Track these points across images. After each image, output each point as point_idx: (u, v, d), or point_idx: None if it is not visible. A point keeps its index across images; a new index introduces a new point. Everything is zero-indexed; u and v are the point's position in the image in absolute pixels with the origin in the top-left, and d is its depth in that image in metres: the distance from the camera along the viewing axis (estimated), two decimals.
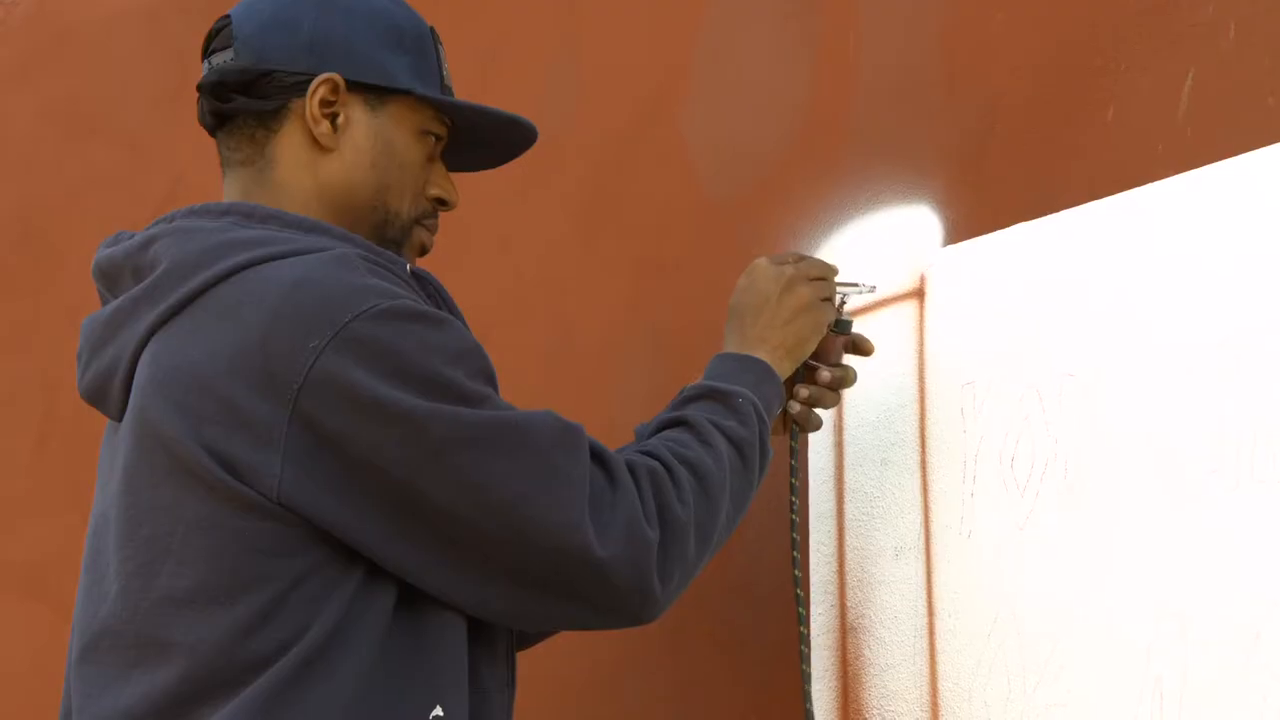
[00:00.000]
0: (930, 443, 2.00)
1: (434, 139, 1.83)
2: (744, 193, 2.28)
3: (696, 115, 2.40)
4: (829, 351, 1.96)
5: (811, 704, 1.96)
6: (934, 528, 1.98)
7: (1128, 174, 1.88)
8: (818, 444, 2.10)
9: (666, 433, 1.77)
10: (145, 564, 1.64)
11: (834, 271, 1.95)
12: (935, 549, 1.97)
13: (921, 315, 2.05)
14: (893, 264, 2.08)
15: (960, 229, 2.04)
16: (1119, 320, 1.86)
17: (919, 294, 2.05)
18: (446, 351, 1.64)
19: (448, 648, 1.66)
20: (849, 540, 2.06)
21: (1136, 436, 1.82)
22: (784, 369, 1.89)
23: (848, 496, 2.07)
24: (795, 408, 1.94)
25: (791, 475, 1.99)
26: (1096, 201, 1.90)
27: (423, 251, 1.85)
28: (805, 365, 1.95)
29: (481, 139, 1.88)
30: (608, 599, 1.65)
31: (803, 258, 1.94)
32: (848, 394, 2.04)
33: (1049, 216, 1.95)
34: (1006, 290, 1.97)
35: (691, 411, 1.79)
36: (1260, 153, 1.77)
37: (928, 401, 2.02)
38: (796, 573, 1.97)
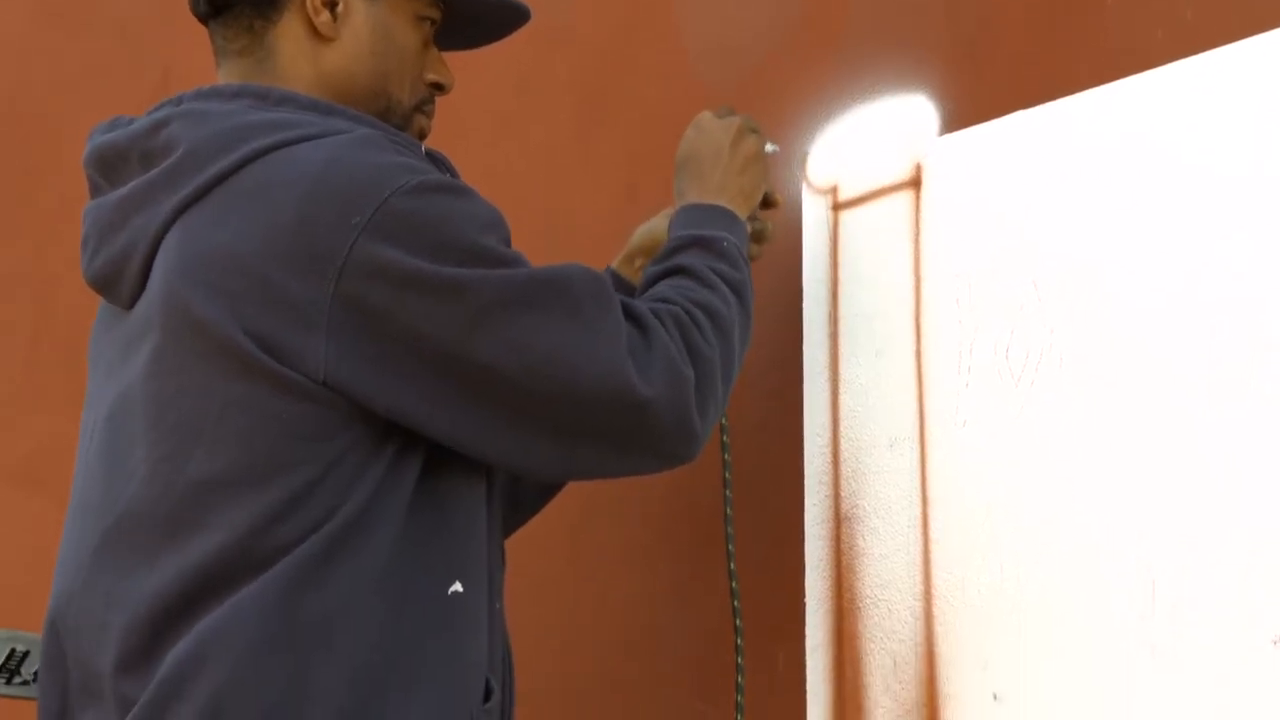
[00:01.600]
0: (925, 333, 2.00)
1: (429, 24, 1.83)
2: (740, 83, 2.26)
3: (693, 4, 2.37)
4: None
5: (738, 606, 1.99)
6: (929, 418, 1.98)
7: (1127, 60, 1.87)
8: (812, 336, 2.10)
9: (669, 281, 1.81)
10: (176, 447, 1.65)
11: (760, 125, 2.01)
12: (930, 439, 1.97)
13: (918, 205, 2.03)
14: (889, 153, 2.07)
15: (957, 118, 2.02)
16: (1116, 209, 1.85)
17: (915, 183, 2.04)
18: (479, 220, 1.67)
19: (467, 526, 1.69)
20: (844, 431, 2.06)
21: (1133, 327, 1.82)
22: (742, 214, 1.94)
23: (842, 388, 2.07)
24: None
25: (723, 440, 2.02)
26: (1095, 89, 1.89)
27: (421, 137, 1.85)
28: None
29: (474, 20, 1.87)
30: (653, 440, 1.68)
31: (735, 111, 2.01)
32: (843, 286, 2.04)
33: (1047, 104, 1.93)
34: (1003, 179, 1.96)
35: (686, 259, 1.82)
36: (1261, 37, 1.75)
37: (923, 292, 2.01)
38: (728, 495, 2.02)
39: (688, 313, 1.74)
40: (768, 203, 2.05)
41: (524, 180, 2.49)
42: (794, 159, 2.13)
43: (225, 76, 1.79)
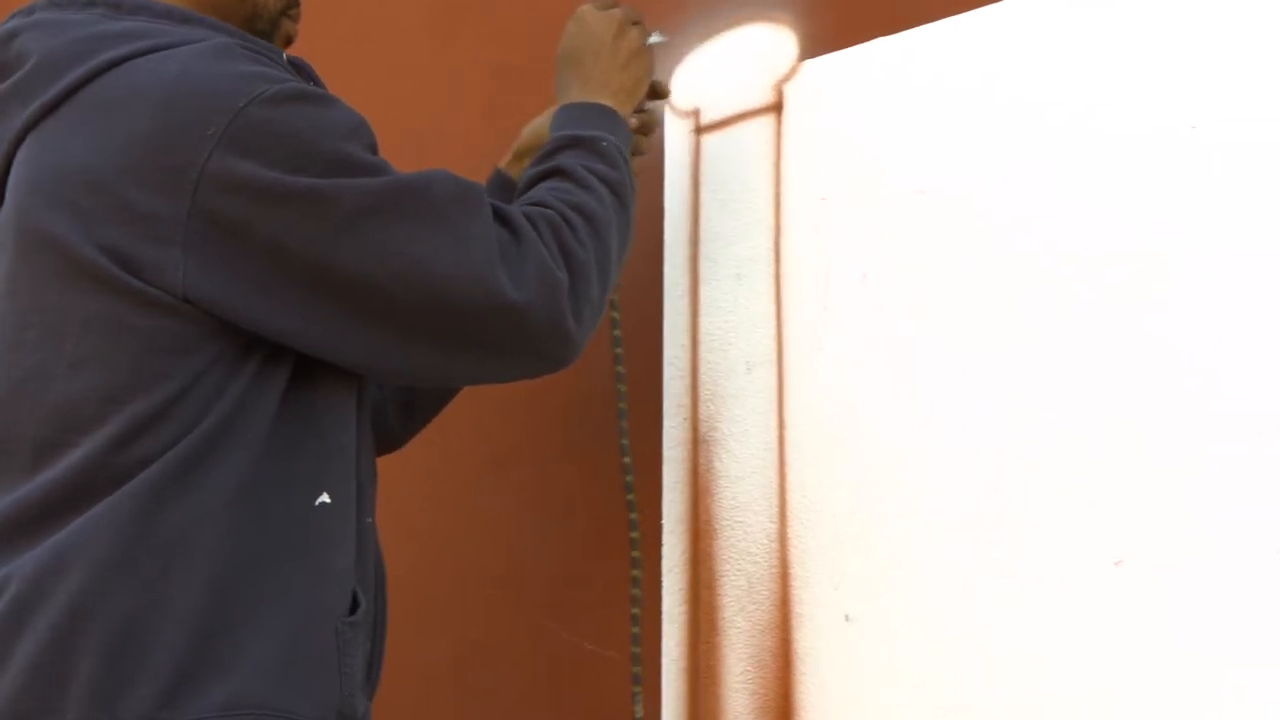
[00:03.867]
0: (785, 258, 2.01)
1: None
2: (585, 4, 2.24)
3: None
4: None
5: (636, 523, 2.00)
6: (787, 342, 1.99)
7: None
8: (673, 259, 2.10)
9: (547, 183, 1.79)
10: (35, 369, 1.62)
11: (643, 16, 2.00)
12: (788, 363, 1.99)
13: (779, 130, 2.04)
14: (751, 78, 2.07)
15: (819, 43, 2.03)
16: (974, 137, 1.87)
17: (777, 108, 2.05)
18: (340, 128, 1.64)
19: (336, 438, 1.68)
20: (703, 355, 2.07)
21: (988, 253, 1.84)
22: (625, 110, 1.93)
23: (702, 311, 2.07)
24: None
25: (614, 323, 2.01)
26: (955, 16, 1.90)
27: (288, 41, 1.83)
28: None
29: None
30: (527, 344, 1.67)
31: (620, 2, 1.99)
32: (704, 210, 2.04)
33: (908, 31, 1.94)
34: (864, 106, 1.97)
35: (564, 160, 1.81)
36: None
37: (783, 217, 2.02)
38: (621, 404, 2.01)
39: (562, 215, 1.73)
40: (656, 93, 2.03)
41: (384, 98, 2.46)
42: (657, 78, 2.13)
43: None
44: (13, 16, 1.71)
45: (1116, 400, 1.73)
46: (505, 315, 1.65)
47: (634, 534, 2.01)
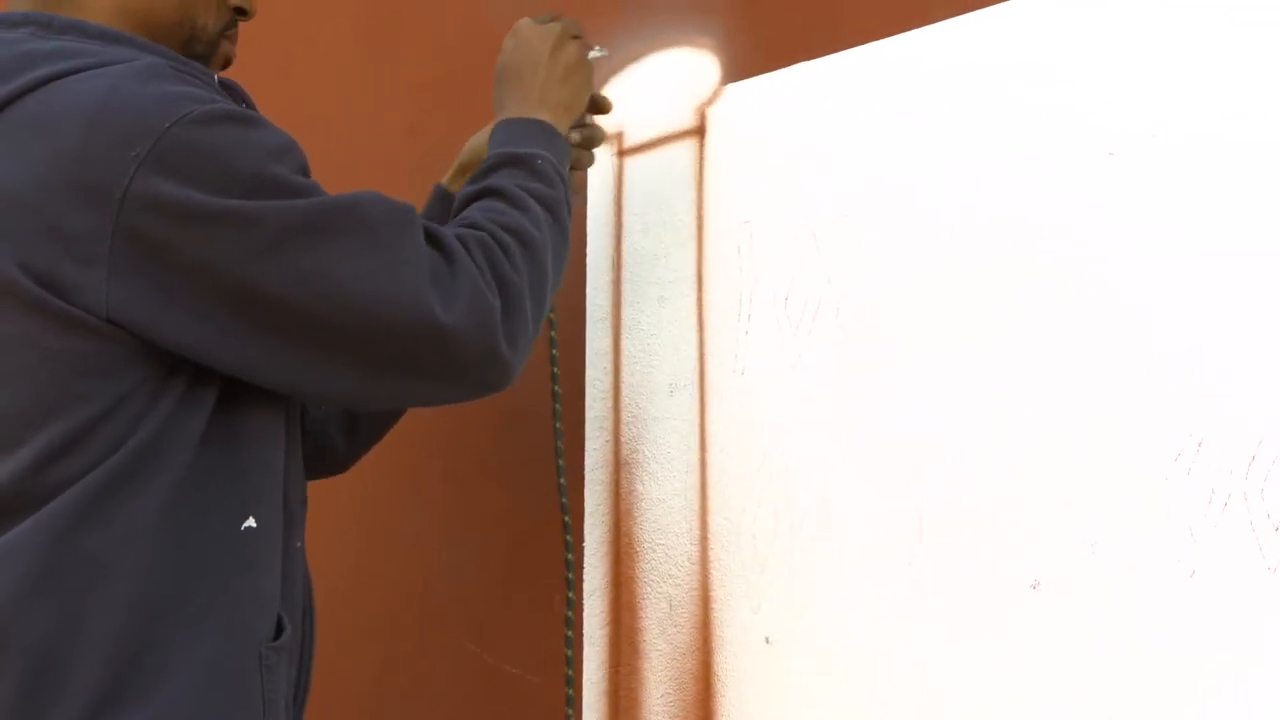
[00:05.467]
0: (707, 281, 2.01)
1: None
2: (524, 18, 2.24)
3: None
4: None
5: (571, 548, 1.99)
6: (709, 365, 2.00)
7: (908, 15, 1.89)
8: (596, 281, 2.11)
9: (481, 203, 1.78)
10: None
11: (583, 29, 1.98)
12: (709, 386, 1.99)
13: (701, 153, 2.05)
14: (673, 102, 2.08)
15: (742, 66, 2.04)
16: (893, 161, 1.88)
17: (699, 132, 2.05)
18: (267, 149, 1.62)
19: (263, 461, 1.67)
20: (625, 377, 2.07)
21: (909, 276, 1.85)
22: (563, 126, 1.92)
23: (625, 333, 2.08)
24: None
25: (551, 342, 2.00)
26: (875, 42, 1.91)
27: (226, 63, 1.82)
28: None
29: None
30: (458, 369, 1.66)
31: (558, 16, 1.97)
32: (626, 232, 2.04)
33: (830, 56, 1.95)
34: (785, 130, 1.98)
35: (499, 180, 1.80)
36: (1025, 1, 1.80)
37: (705, 240, 2.02)
38: (558, 422, 2.00)
39: (495, 238, 1.71)
40: (598, 107, 2.02)
41: (311, 113, 2.45)
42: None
43: (18, 2, 1.74)
44: None
45: (1034, 427, 1.74)
46: (436, 339, 1.63)
47: (569, 555, 2.00)
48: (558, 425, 2.02)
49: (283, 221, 1.60)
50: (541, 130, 1.88)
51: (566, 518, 2.00)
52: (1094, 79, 1.74)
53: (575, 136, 1.96)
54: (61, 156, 1.58)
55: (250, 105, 1.76)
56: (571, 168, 1.95)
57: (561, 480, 2.01)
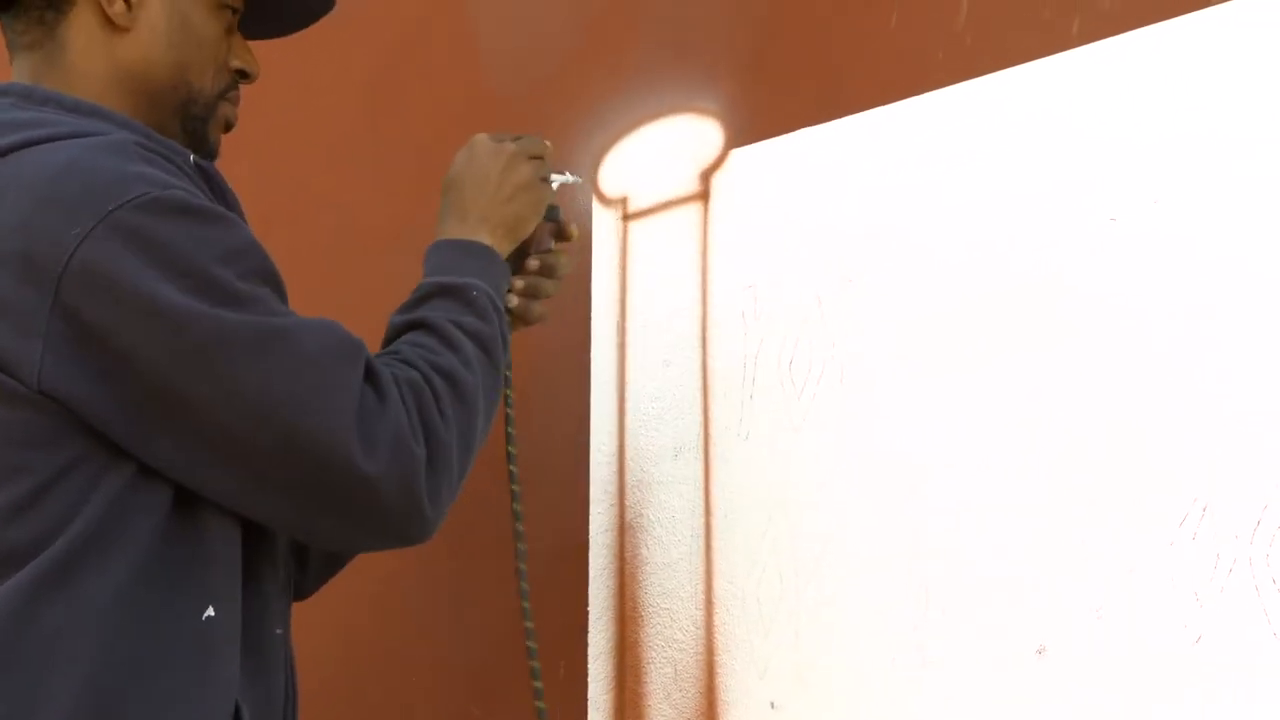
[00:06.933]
0: (711, 344, 2.02)
1: (230, 11, 1.78)
2: (530, 87, 2.26)
3: (487, 11, 2.37)
4: (539, 239, 1.91)
5: (535, 653, 1.91)
6: (713, 429, 2.00)
7: (909, 81, 1.90)
8: (600, 346, 2.11)
9: (411, 336, 1.71)
10: None
11: (549, 151, 1.91)
12: (714, 450, 1.99)
13: (705, 218, 2.05)
14: (678, 166, 2.09)
15: (745, 132, 2.05)
16: (895, 226, 1.89)
17: (703, 196, 2.06)
18: (217, 248, 1.58)
19: (223, 550, 1.62)
20: (630, 441, 2.07)
21: (910, 342, 1.86)
22: (504, 249, 1.84)
23: (629, 397, 2.08)
24: (513, 301, 1.86)
25: (508, 416, 1.92)
26: (879, 108, 1.92)
27: (228, 127, 1.80)
28: (514, 254, 1.88)
29: (277, 7, 1.83)
30: (376, 517, 1.60)
31: (520, 136, 1.90)
32: (631, 296, 2.05)
33: (832, 122, 1.96)
34: (789, 194, 1.98)
35: (429, 313, 1.73)
36: (1035, 64, 1.80)
37: (709, 303, 2.03)
38: (515, 487, 1.91)
39: (426, 380, 1.64)
40: (563, 235, 1.92)
41: (315, 180, 2.46)
42: (584, 168, 2.14)
43: (17, 71, 1.74)
44: None
45: (1036, 493, 1.74)
46: (351, 481, 1.57)
47: (528, 623, 1.88)
48: (515, 488, 1.90)
49: (209, 330, 1.55)
50: (478, 254, 1.80)
51: (524, 584, 1.88)
52: (1095, 145, 1.75)
53: (533, 264, 1.88)
54: (11, 226, 1.57)
55: (225, 193, 1.72)
56: (518, 316, 1.87)
57: (521, 545, 1.88)
